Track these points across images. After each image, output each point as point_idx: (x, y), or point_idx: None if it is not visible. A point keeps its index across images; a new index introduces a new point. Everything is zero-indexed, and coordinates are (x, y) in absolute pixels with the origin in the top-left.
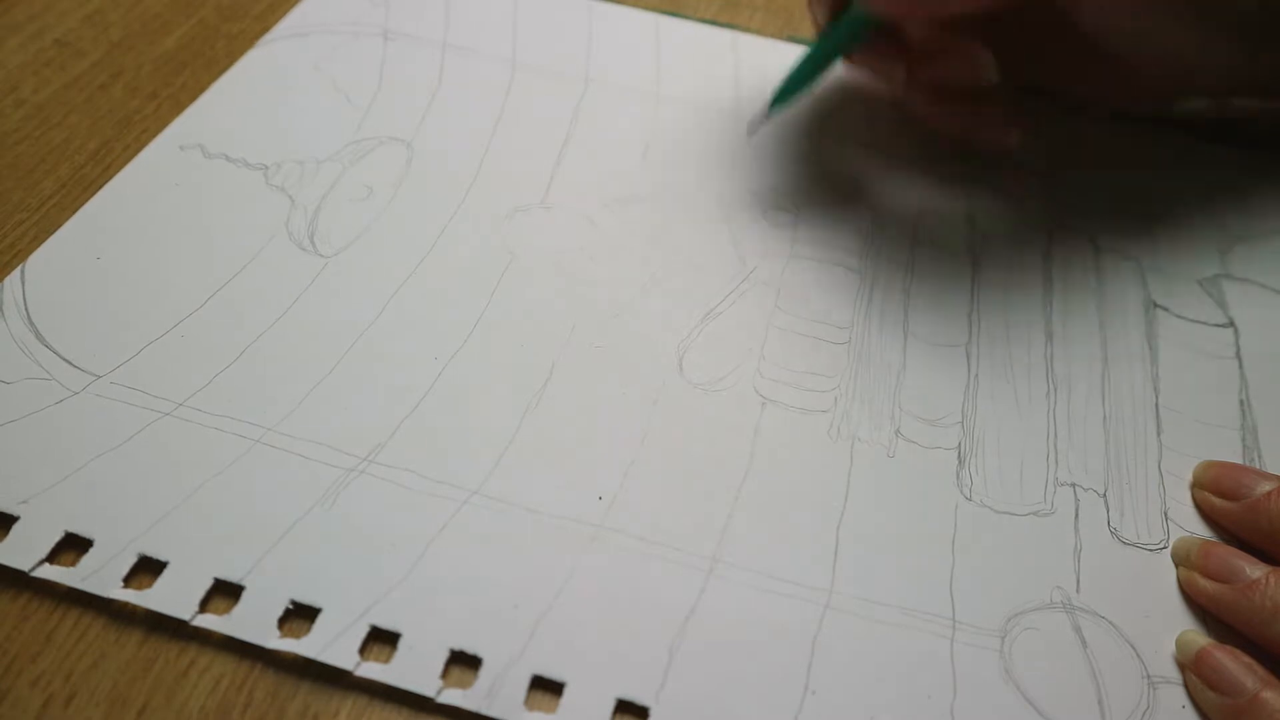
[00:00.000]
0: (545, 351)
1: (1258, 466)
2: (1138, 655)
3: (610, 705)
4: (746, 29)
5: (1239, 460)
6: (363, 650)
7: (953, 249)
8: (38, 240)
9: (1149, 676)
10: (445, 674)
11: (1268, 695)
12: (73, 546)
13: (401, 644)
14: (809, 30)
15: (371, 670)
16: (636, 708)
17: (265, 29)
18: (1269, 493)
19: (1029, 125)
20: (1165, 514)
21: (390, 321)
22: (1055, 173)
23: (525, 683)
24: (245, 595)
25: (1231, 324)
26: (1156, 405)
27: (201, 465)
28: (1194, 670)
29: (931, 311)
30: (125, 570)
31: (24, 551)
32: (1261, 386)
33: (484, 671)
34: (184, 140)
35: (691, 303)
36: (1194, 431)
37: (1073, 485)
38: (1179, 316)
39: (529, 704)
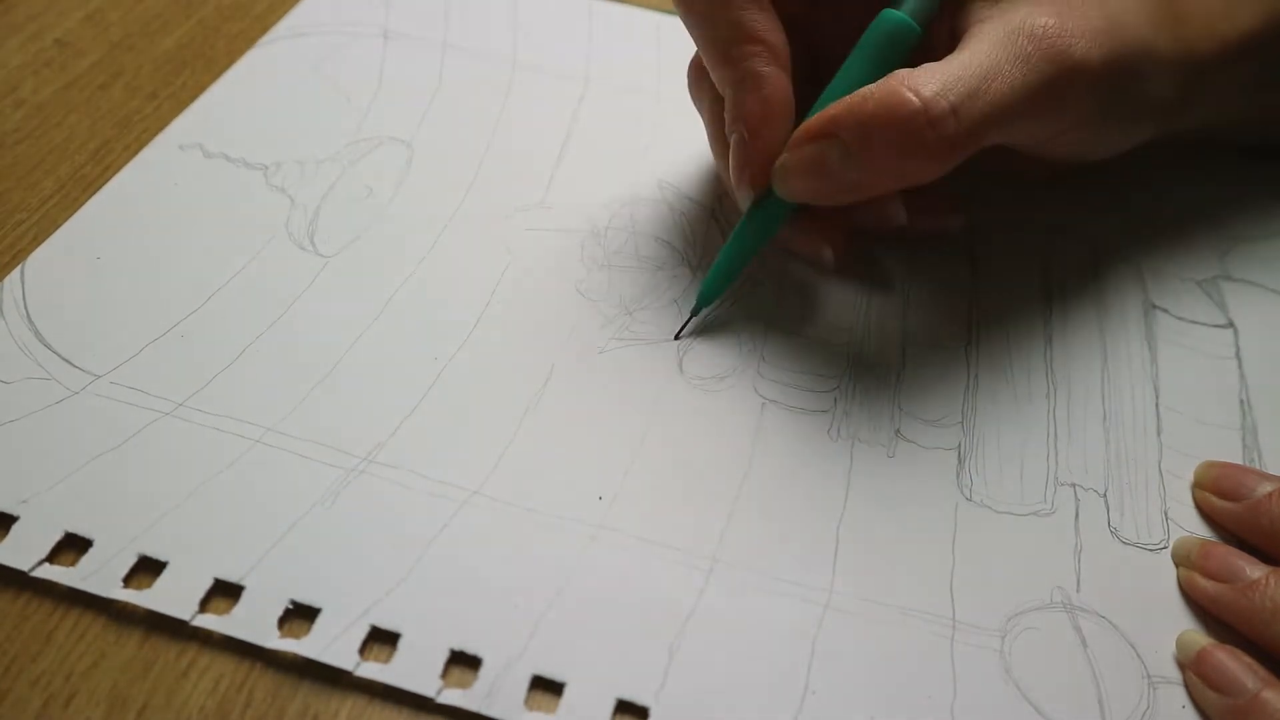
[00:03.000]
0: (545, 351)
1: (1258, 467)
2: (1138, 655)
3: (610, 705)
4: None
5: (1239, 460)
6: (363, 650)
7: (952, 250)
8: (38, 240)
9: (1149, 676)
10: (445, 674)
11: (1268, 695)
12: (73, 546)
13: (401, 644)
14: None
15: (371, 670)
16: (636, 708)
17: (265, 29)
18: (1270, 494)
19: (960, 207)
20: (1165, 514)
21: (390, 321)
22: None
23: (525, 683)
24: (245, 595)
25: (1231, 325)
26: (1156, 405)
27: (201, 465)
28: (1194, 670)
29: (931, 312)
30: (125, 570)
31: (24, 551)
32: (1261, 386)
33: (484, 671)
34: (184, 140)
35: (691, 303)
36: (1194, 431)
37: (1073, 485)
38: (1178, 317)
39: (529, 704)
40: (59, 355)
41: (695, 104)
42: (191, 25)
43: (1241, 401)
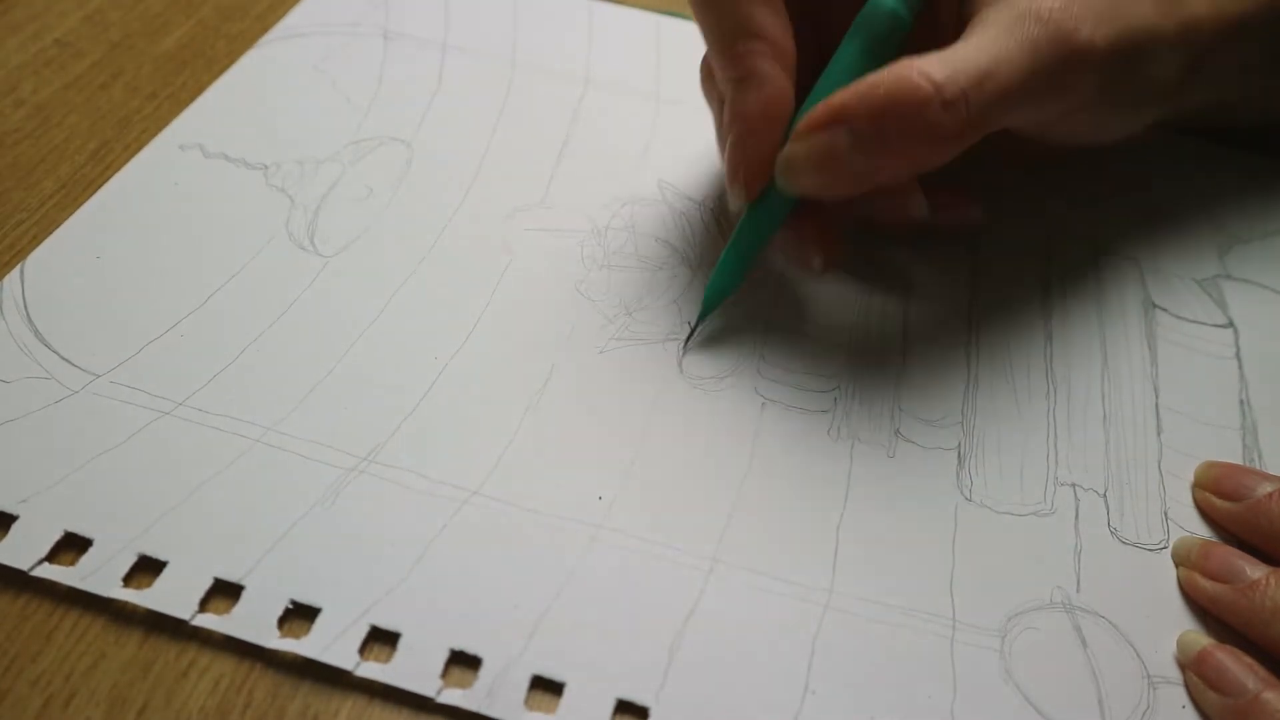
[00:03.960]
0: (545, 351)
1: (1258, 467)
2: (1138, 655)
3: (610, 705)
4: None
5: (1239, 460)
6: (363, 650)
7: (952, 249)
8: (38, 240)
9: (1149, 676)
10: (445, 674)
11: (1269, 696)
12: (72, 546)
13: (401, 644)
14: None
15: (371, 670)
16: (636, 708)
17: (265, 29)
18: (1270, 494)
19: (979, 198)
20: (1165, 514)
21: (390, 321)
22: (1054, 175)
23: (525, 683)
24: (245, 595)
25: (1231, 324)
26: (1156, 405)
27: (201, 465)
28: (1195, 670)
29: (931, 312)
30: (125, 570)
31: (24, 551)
32: (1261, 386)
33: (484, 671)
34: (184, 140)
35: (691, 303)
36: (1194, 431)
37: (1073, 485)
38: (1178, 317)
39: (529, 704)
40: (59, 355)
41: (706, 100)
42: (191, 25)
43: (1241, 401)
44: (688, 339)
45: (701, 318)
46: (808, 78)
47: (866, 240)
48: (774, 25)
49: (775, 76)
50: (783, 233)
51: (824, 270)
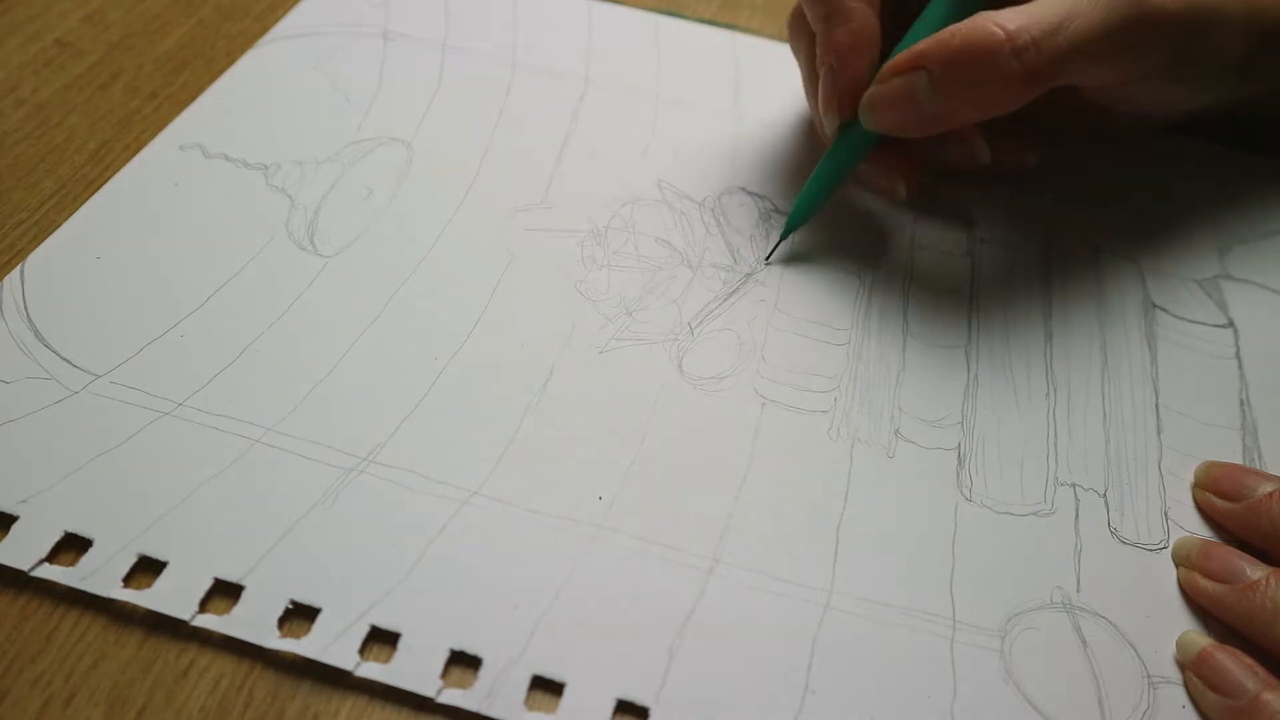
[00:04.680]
0: (545, 351)
1: (1258, 467)
2: (1138, 655)
3: (610, 705)
4: (746, 29)
5: (1239, 460)
6: (363, 650)
7: (952, 250)
8: (38, 240)
9: (1149, 676)
10: (445, 674)
11: (1269, 697)
12: (73, 546)
13: (401, 644)
14: None
15: (371, 670)
16: (636, 708)
17: (265, 29)
18: (1270, 494)
19: (1043, 144)
20: (1165, 514)
21: (390, 321)
22: (1055, 175)
23: (525, 683)
24: (245, 595)
25: (1231, 324)
26: (1156, 405)
27: (201, 465)
28: (1195, 671)
29: (931, 312)
30: (125, 570)
31: (24, 551)
32: (1261, 386)
33: (484, 671)
34: (184, 140)
35: (691, 303)
36: (1194, 431)
37: (1073, 485)
38: (1178, 317)
39: (529, 704)
40: (59, 355)
41: (793, 51)
42: (191, 25)
43: (1241, 401)
44: (769, 255)
45: (783, 237)
46: (889, 27)
47: (867, 239)
48: None
49: (863, 13)
50: (867, 165)
51: (906, 197)
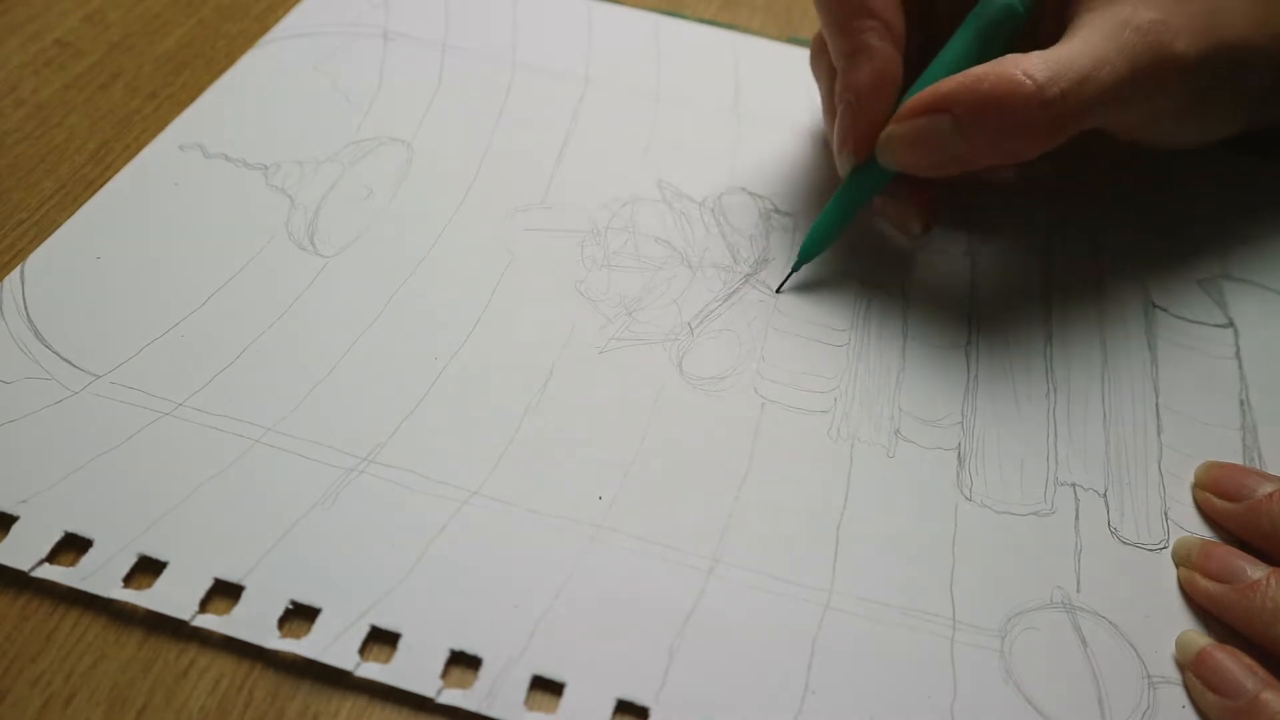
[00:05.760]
0: (545, 351)
1: (1258, 467)
2: (1138, 655)
3: (610, 705)
4: (746, 29)
5: (1239, 460)
6: (363, 650)
7: (952, 250)
8: (38, 240)
9: (1149, 676)
10: (445, 674)
11: (1268, 697)
12: (73, 546)
13: (401, 644)
14: (809, 31)
15: (371, 670)
16: (636, 708)
17: (265, 29)
18: (1270, 494)
19: (1055, 164)
20: (1165, 514)
21: (390, 321)
22: (1055, 174)
23: (525, 683)
24: (245, 595)
25: (1231, 324)
26: (1156, 405)
27: (201, 465)
28: (1194, 671)
29: (931, 312)
30: (125, 570)
31: (24, 551)
32: (1261, 386)
33: (484, 671)
34: (184, 140)
35: (691, 303)
36: (1194, 431)
37: (1073, 485)
38: (1179, 317)
39: (529, 704)
40: (59, 355)
41: (814, 75)
42: (191, 25)
43: (1241, 401)
44: (781, 286)
45: (795, 269)
46: (914, 59)
47: (867, 241)
48: (886, 6)
49: (886, 52)
50: (883, 199)
51: (922, 233)
